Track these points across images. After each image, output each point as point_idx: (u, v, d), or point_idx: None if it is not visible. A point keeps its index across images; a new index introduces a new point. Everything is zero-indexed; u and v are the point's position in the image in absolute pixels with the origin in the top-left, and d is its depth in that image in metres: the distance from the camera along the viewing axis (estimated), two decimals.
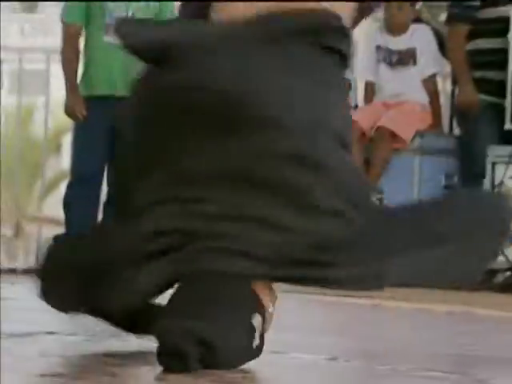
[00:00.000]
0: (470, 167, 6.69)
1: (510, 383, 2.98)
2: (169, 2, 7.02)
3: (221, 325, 2.77)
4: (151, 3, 6.94)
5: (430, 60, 7.52)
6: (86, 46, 6.99)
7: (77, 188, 7.01)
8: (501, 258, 6.09)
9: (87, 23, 6.92)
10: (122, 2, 6.87)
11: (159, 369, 2.73)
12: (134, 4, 6.88)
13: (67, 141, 8.07)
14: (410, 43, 7.49)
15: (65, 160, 7.99)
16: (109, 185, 7.05)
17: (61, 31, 7.02)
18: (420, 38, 7.55)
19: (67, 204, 7.05)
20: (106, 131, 6.70)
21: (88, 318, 3.42)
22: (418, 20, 7.79)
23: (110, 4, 6.85)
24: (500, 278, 6.39)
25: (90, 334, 3.67)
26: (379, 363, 3.14)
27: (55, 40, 7.33)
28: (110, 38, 6.73)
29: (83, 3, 6.87)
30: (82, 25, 6.94)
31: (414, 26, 7.55)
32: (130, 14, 6.86)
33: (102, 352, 3.21)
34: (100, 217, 7.12)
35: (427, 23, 8.09)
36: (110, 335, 3.60)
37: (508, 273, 6.41)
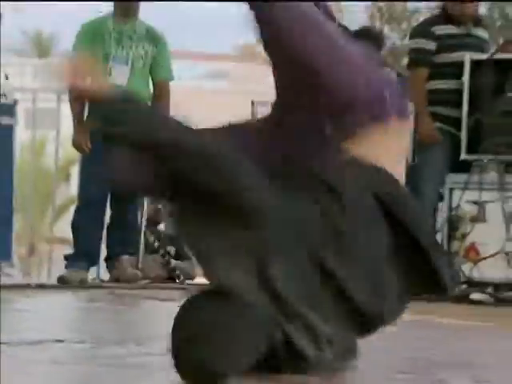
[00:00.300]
0: (419, 191, 6.67)
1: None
2: (164, 52, 7.04)
3: None
4: (149, 52, 6.96)
5: None
6: None
7: (83, 212, 7.00)
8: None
9: None
10: (123, 50, 6.89)
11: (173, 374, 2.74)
12: (134, 51, 6.89)
13: (75, 170, 8.07)
14: None
15: (73, 187, 7.98)
16: (112, 209, 7.07)
17: None
18: None
19: (75, 226, 7.05)
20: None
21: (95, 326, 3.43)
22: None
23: (113, 51, 6.86)
24: (456, 290, 6.38)
25: (96, 342, 3.68)
26: None
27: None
28: (114, 79, 6.78)
29: (89, 48, 6.85)
30: None
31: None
32: (129, 61, 6.88)
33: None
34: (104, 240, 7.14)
35: (391, 68, 8.11)
36: (115, 343, 3.61)
37: (464, 286, 6.41)
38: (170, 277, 7.84)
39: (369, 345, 3.11)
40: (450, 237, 6.47)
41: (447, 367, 3.40)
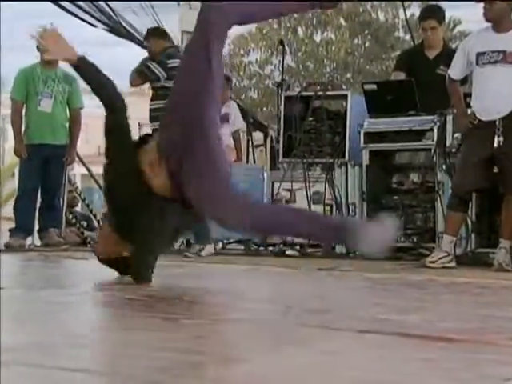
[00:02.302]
0: None
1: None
2: (77, 89, 6.97)
3: None
4: (66, 89, 6.92)
5: (235, 120, 7.44)
6: (26, 113, 6.91)
7: (22, 199, 6.94)
8: None
9: (26, 99, 6.87)
10: (48, 88, 6.85)
11: (85, 309, 2.67)
12: (56, 89, 6.87)
13: (16, 170, 7.92)
14: (227, 110, 7.28)
15: (15, 182, 7.84)
16: (42, 196, 7.00)
17: (11, 104, 6.98)
18: (233, 108, 7.48)
19: (16, 208, 7.00)
20: (38, 165, 6.81)
21: (29, 277, 3.30)
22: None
23: (41, 88, 6.83)
24: (277, 248, 6.41)
25: (29, 288, 3.57)
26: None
27: (9, 109, 7.22)
28: (41, 108, 6.81)
29: (24, 86, 6.85)
30: (24, 100, 6.88)
31: (228, 102, 7.41)
32: (53, 96, 6.85)
33: None
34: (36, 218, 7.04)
35: (234, 100, 8.04)
36: (43, 288, 3.51)
37: (281, 245, 6.42)
38: (83, 243, 7.73)
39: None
40: None
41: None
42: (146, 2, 8.01)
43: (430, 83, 5.94)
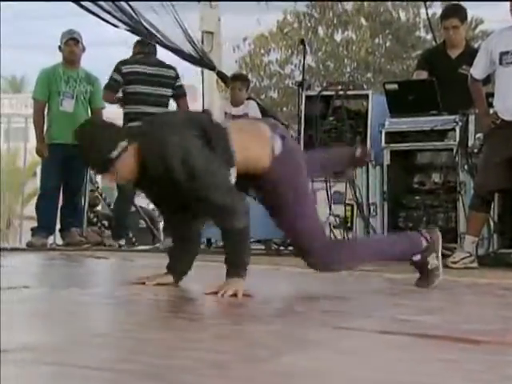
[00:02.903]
0: None
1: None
2: (98, 89, 7.01)
3: None
4: (88, 89, 6.95)
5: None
6: (48, 113, 6.95)
7: (43, 198, 6.98)
8: None
9: (48, 99, 6.90)
10: (70, 89, 6.88)
11: (105, 308, 2.68)
12: (77, 89, 6.91)
13: (39, 170, 7.97)
14: (245, 110, 7.33)
15: (38, 181, 7.91)
16: (63, 195, 7.03)
17: (33, 104, 7.01)
18: (252, 108, 7.49)
19: (38, 207, 7.02)
20: (60, 164, 6.82)
21: (52, 276, 3.30)
22: (249, 98, 7.71)
23: (63, 89, 6.86)
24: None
25: (51, 287, 3.60)
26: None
27: (31, 109, 7.27)
28: (63, 108, 6.84)
29: (46, 86, 6.89)
30: (46, 100, 6.91)
31: (246, 102, 7.45)
32: (75, 96, 6.89)
33: None
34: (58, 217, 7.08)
35: (254, 100, 8.08)
36: (65, 287, 3.52)
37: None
38: (104, 242, 7.76)
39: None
40: None
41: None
42: (168, 2, 8.03)
43: (453, 82, 5.92)
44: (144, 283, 3.52)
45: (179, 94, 6.88)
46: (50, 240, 7.13)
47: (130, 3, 7.91)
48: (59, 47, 6.96)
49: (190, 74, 10.53)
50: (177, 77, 6.88)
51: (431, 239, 3.79)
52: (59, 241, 7.19)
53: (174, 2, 8.19)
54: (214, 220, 3.38)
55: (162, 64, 6.93)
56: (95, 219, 8.56)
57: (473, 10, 20.96)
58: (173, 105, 7.09)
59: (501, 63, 5.13)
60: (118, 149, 3.29)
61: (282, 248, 6.61)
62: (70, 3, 7.67)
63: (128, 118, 6.73)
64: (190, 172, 3.23)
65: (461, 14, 6.32)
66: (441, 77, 6.06)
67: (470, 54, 5.86)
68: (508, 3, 5.12)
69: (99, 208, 9.31)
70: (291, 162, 3.43)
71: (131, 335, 2.30)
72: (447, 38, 6.34)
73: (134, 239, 8.43)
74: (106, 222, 8.48)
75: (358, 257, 3.67)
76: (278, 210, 3.47)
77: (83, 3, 7.69)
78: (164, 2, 7.99)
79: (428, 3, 16.16)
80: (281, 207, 3.44)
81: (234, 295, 3.12)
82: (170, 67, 6.92)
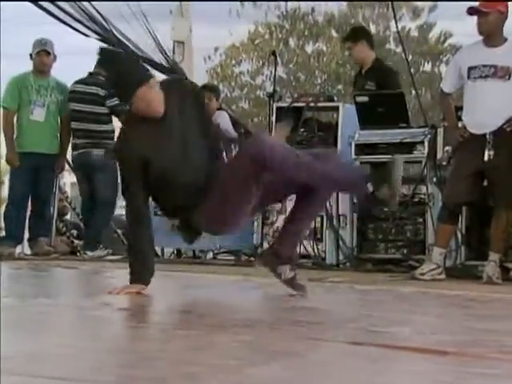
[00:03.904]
0: None
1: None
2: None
3: None
4: (58, 98, 6.90)
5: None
6: (17, 121, 6.91)
7: (12, 207, 6.93)
8: None
9: (18, 107, 6.86)
10: (41, 98, 6.85)
11: (69, 317, 2.67)
12: (48, 98, 6.87)
13: (7, 179, 7.90)
14: (216, 120, 7.18)
15: (5, 190, 7.81)
16: (32, 205, 6.98)
17: (2, 112, 6.98)
18: (222, 118, 7.38)
19: (6, 217, 7.00)
20: (29, 173, 6.80)
21: (19, 286, 3.27)
22: (219, 108, 7.66)
23: (34, 98, 6.83)
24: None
25: (19, 297, 3.57)
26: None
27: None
28: (33, 117, 6.81)
29: (17, 95, 6.84)
30: (16, 109, 6.87)
31: (217, 112, 7.37)
32: (46, 105, 6.85)
33: None
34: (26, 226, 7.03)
35: (225, 110, 8.04)
36: (32, 297, 3.49)
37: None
38: (73, 252, 7.72)
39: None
40: (263, 224, 6.53)
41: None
42: (139, 11, 8.02)
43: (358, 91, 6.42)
44: (116, 292, 3.50)
45: (115, 112, 6.82)
46: (18, 249, 7.07)
47: (101, 12, 7.89)
48: (30, 55, 6.93)
49: None
50: (109, 96, 6.75)
51: None
52: (27, 250, 7.14)
53: (145, 12, 8.18)
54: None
55: (96, 84, 6.85)
56: (64, 229, 8.50)
57: (442, 25, 21.21)
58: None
59: (469, 78, 5.19)
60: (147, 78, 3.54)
61: (252, 259, 6.61)
62: (40, 12, 7.64)
63: (73, 134, 6.95)
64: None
65: (353, 36, 6.84)
66: (355, 88, 6.68)
67: (377, 70, 6.52)
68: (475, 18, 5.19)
69: (68, 217, 9.26)
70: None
71: (101, 346, 2.29)
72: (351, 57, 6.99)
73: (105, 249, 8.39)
74: (74, 232, 8.43)
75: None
76: None
77: (55, 13, 7.66)
78: (136, 12, 7.98)
79: (398, 16, 16.31)
80: None
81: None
82: (102, 87, 6.82)
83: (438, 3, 20.46)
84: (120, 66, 3.55)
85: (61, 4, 7.67)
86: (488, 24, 5.11)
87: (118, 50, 3.72)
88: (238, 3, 19.55)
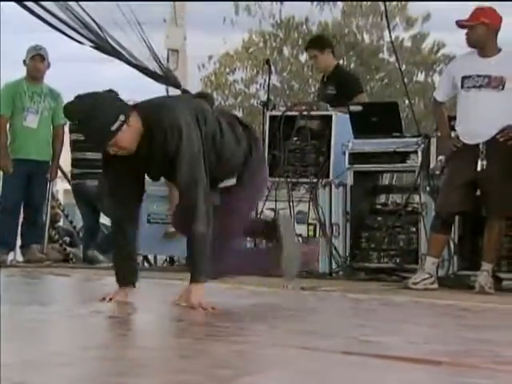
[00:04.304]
0: None
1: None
2: (61, 105, 6.94)
3: None
4: (51, 105, 6.89)
5: None
6: (11, 128, 6.89)
7: (4, 214, 6.89)
8: None
9: (12, 114, 6.84)
10: (34, 104, 6.83)
11: (63, 327, 2.65)
12: (42, 104, 6.86)
13: None
14: None
15: None
16: (24, 212, 6.95)
17: None
18: None
19: None
20: (22, 180, 6.77)
21: (11, 293, 3.25)
22: None
23: (27, 104, 6.81)
24: None
25: (12, 304, 3.54)
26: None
27: None
28: (26, 123, 6.80)
29: (10, 101, 6.82)
30: (9, 115, 6.85)
31: None
32: (39, 111, 6.84)
33: None
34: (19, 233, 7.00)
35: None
36: (26, 304, 3.47)
37: None
38: (65, 259, 7.70)
39: None
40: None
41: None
42: (134, 19, 8.02)
43: (322, 100, 6.63)
44: (107, 299, 3.49)
45: None
46: (10, 256, 7.05)
47: (96, 20, 7.89)
48: (24, 61, 6.92)
49: (154, 92, 10.51)
50: None
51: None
52: (20, 257, 7.11)
53: (140, 20, 8.18)
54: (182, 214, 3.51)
55: None
56: (56, 236, 8.47)
57: (435, 34, 21.28)
58: None
59: (462, 87, 5.20)
60: (117, 122, 3.43)
61: None
62: (35, 19, 7.63)
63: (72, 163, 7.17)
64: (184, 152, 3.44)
65: (319, 45, 6.97)
66: (318, 95, 6.96)
67: (334, 76, 6.80)
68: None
69: (61, 224, 9.24)
70: None
71: (93, 354, 2.28)
72: (314, 65, 7.10)
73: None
74: (67, 239, 8.40)
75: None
76: None
77: (48, 20, 7.65)
78: (130, 20, 7.97)
79: (392, 26, 16.35)
80: None
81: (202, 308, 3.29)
82: None
83: (432, 13, 20.54)
84: (91, 119, 3.46)
85: (55, 11, 7.67)
86: (475, 36, 5.13)
87: (93, 95, 3.55)
88: (233, 11, 19.60)
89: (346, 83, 6.84)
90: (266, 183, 4.22)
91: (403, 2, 20.15)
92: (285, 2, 19.34)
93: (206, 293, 3.44)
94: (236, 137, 3.72)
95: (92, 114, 3.45)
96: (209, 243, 3.44)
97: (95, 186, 6.85)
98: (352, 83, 6.98)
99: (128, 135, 3.46)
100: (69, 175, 7.60)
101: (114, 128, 3.41)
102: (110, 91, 4.09)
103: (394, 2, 19.81)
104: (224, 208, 3.64)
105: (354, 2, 20.60)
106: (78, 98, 3.54)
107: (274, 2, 19.75)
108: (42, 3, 7.67)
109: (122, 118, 3.44)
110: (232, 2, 18.73)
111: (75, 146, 7.07)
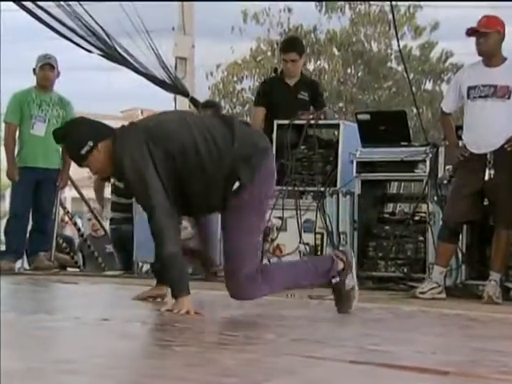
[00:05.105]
0: None
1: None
2: (71, 113, 6.97)
3: None
4: (60, 114, 6.91)
5: None
6: (19, 136, 6.90)
7: (12, 222, 6.90)
8: None
9: (20, 122, 6.86)
10: (42, 112, 6.85)
11: (72, 334, 2.65)
12: (50, 113, 6.88)
13: (8, 193, 7.89)
14: None
15: (7, 205, 7.80)
16: (33, 220, 6.96)
17: (4, 127, 6.99)
18: None
19: (6, 231, 6.96)
20: (30, 188, 6.78)
21: (19, 301, 3.26)
22: None
23: (35, 112, 6.83)
24: None
25: (19, 312, 3.55)
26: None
27: (1, 133, 7.22)
28: (34, 131, 6.81)
29: (18, 110, 6.85)
30: (18, 124, 6.87)
31: None
32: (47, 120, 6.86)
33: None
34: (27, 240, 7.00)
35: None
36: (32, 313, 3.46)
37: None
38: (73, 267, 7.72)
39: None
40: (264, 240, 6.50)
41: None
42: (142, 27, 8.05)
43: (293, 106, 6.50)
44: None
45: None
46: (18, 264, 7.06)
47: (104, 28, 7.92)
48: (33, 70, 6.94)
49: (162, 100, 10.54)
50: None
51: (347, 260, 3.82)
52: (27, 265, 7.13)
53: (148, 28, 8.21)
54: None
55: None
56: (64, 244, 8.49)
57: (443, 44, 21.27)
58: None
59: (469, 97, 5.21)
60: (86, 147, 3.70)
61: None
62: (42, 27, 7.66)
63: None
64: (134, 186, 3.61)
65: (299, 48, 6.85)
66: (282, 103, 6.63)
67: (305, 82, 6.77)
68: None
69: (67, 233, 9.27)
70: None
71: (101, 362, 2.28)
72: (286, 69, 6.78)
73: (102, 264, 8.39)
74: (66, 246, 8.43)
75: (275, 287, 3.77)
76: None
77: (56, 28, 7.68)
78: (139, 28, 8.00)
79: (400, 35, 16.34)
80: None
81: (187, 312, 3.44)
82: None
83: (440, 22, 20.51)
84: (66, 143, 3.89)
85: (63, 18, 7.70)
86: (488, 44, 5.12)
87: (76, 120, 4.02)
88: (241, 20, 19.63)
89: (316, 89, 6.92)
90: (271, 193, 4.18)
91: (412, 11, 20.15)
92: (293, 11, 19.37)
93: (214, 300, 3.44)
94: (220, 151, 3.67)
95: (67, 138, 3.85)
96: (181, 258, 3.57)
97: (130, 231, 6.89)
98: (321, 91, 7.16)
99: (97, 160, 3.72)
100: (78, 184, 7.64)
101: (83, 152, 3.73)
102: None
103: (402, 11, 19.80)
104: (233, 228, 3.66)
105: (362, 11, 20.61)
106: (65, 123, 3.89)
107: (282, 11, 19.77)
108: (51, 11, 7.71)
109: (90, 143, 3.71)
110: (240, 11, 18.78)
111: (113, 189, 7.15)
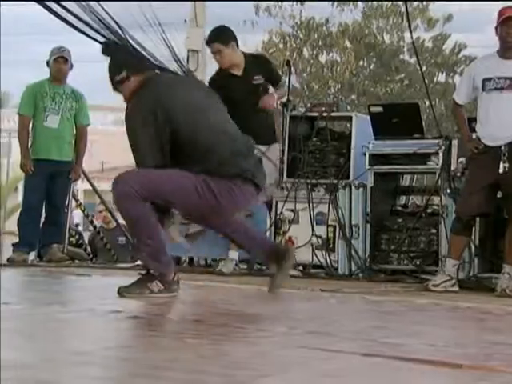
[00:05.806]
0: None
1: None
2: (84, 106, 6.99)
3: None
4: (73, 106, 6.92)
5: None
6: (32, 128, 6.91)
7: (26, 214, 6.92)
8: None
9: (34, 115, 6.87)
10: (56, 105, 6.86)
11: (85, 325, 2.66)
12: (63, 105, 6.88)
13: (21, 184, 7.92)
14: None
15: (20, 196, 7.82)
16: (46, 212, 6.97)
17: (18, 119, 7.00)
18: None
19: (20, 223, 6.96)
20: (43, 180, 6.78)
21: (32, 293, 3.27)
22: None
23: (49, 105, 6.84)
24: None
25: (32, 303, 3.55)
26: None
27: (15, 125, 7.24)
28: (47, 124, 6.81)
29: (32, 102, 6.85)
30: (31, 116, 6.88)
31: None
32: (60, 112, 6.86)
33: None
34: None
35: None
36: (46, 304, 3.48)
37: None
38: (85, 259, 7.74)
39: None
40: (276, 233, 6.51)
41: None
42: (155, 20, 8.04)
43: (250, 94, 6.07)
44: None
45: None
46: (31, 256, 7.08)
47: (117, 21, 7.91)
48: (47, 63, 6.95)
49: None
50: None
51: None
52: (40, 257, 7.14)
53: (161, 21, 8.20)
54: None
55: None
56: (77, 236, 8.51)
57: (456, 35, 21.20)
58: None
59: (483, 89, 5.17)
60: (120, 75, 4.14)
61: (264, 268, 6.59)
62: (56, 20, 7.66)
63: None
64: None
65: (223, 38, 6.21)
66: (237, 95, 5.97)
67: (252, 65, 6.20)
68: (493, 29, 5.17)
69: (80, 227, 9.30)
70: None
71: (114, 354, 2.28)
72: (217, 61, 6.30)
73: (115, 256, 8.40)
74: (73, 239, 8.45)
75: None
76: None
77: (70, 20, 7.67)
78: (151, 21, 7.99)
79: (412, 27, 16.24)
80: None
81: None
82: None
83: (453, 14, 20.44)
84: (115, 57, 4.23)
85: (77, 12, 7.69)
86: None
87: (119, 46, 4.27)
88: (253, 12, 19.61)
89: (266, 65, 6.39)
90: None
91: (424, 3, 20.08)
92: (305, 4, 19.32)
93: (227, 293, 3.42)
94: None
95: (110, 60, 4.24)
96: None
97: None
98: (269, 62, 6.62)
99: (128, 88, 4.12)
100: (90, 175, 7.64)
101: (118, 78, 4.15)
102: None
103: (415, 3, 19.74)
104: None
105: (375, 3, 20.56)
106: (113, 42, 4.38)
107: (295, 3, 19.74)
108: (65, 4, 7.71)
109: (123, 73, 4.14)
110: (252, 3, 18.75)
111: None
